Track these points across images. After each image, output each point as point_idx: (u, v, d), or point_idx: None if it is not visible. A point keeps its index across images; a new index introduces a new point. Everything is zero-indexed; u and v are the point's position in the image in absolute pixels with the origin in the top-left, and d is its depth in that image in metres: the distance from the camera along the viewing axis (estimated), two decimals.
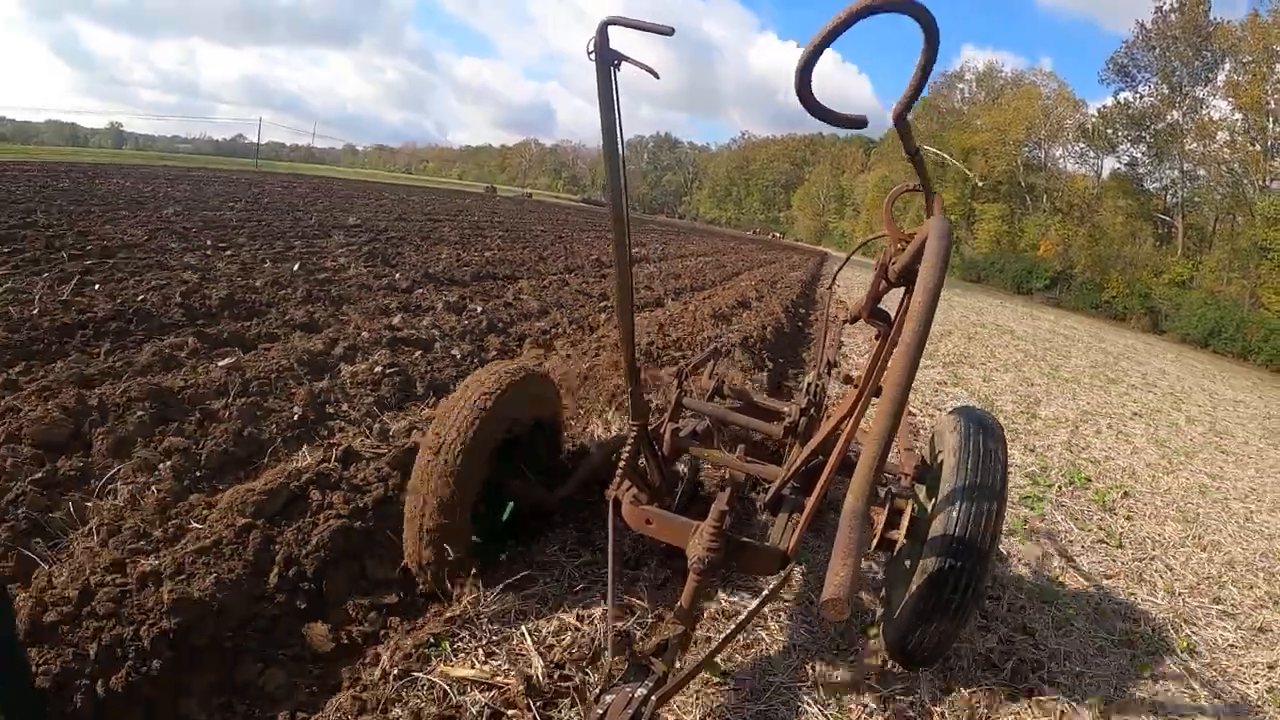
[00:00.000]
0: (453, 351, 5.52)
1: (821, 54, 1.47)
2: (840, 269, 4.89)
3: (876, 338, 2.33)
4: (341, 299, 7.18)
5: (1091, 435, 7.82)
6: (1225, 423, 11.32)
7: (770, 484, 2.92)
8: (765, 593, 2.28)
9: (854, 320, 3.04)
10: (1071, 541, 4.52)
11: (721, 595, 2.88)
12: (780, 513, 2.79)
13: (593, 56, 1.94)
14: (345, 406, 4.08)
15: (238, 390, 3.88)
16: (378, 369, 4.58)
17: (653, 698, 1.84)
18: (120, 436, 3.24)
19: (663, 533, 2.37)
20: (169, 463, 3.07)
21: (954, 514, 2.34)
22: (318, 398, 4.03)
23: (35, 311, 5.21)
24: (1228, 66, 44.31)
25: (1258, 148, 41.80)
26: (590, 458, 3.15)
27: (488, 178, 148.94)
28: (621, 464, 2.54)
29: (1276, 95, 41.10)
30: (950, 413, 2.86)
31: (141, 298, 5.95)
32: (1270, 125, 41.54)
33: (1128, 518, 5.25)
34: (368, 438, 3.55)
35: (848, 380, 3.25)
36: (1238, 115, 43.05)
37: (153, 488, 2.87)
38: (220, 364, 4.27)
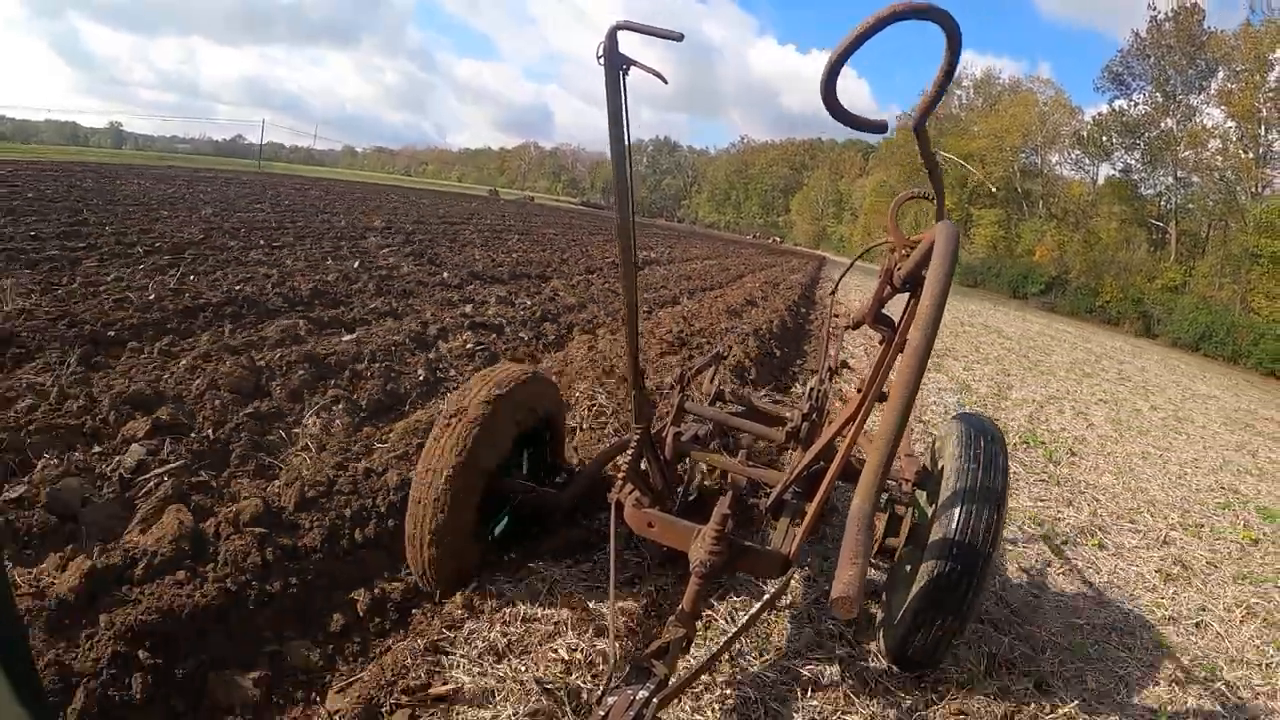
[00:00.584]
0: (520, 334, 6.40)
1: (847, 60, 1.47)
2: (844, 276, 5.15)
3: (881, 343, 2.30)
4: (406, 292, 8.09)
5: (1054, 414, 8.76)
6: (1189, 412, 12.21)
7: (771, 488, 2.91)
8: (767, 596, 2.29)
9: (856, 326, 3.15)
10: (1015, 480, 5.44)
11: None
12: (781, 517, 2.78)
13: (602, 61, 1.94)
14: (452, 372, 4.97)
15: (369, 358, 4.75)
16: (468, 345, 5.48)
17: (654, 700, 1.86)
18: (292, 388, 4.09)
19: (665, 536, 2.38)
20: (339, 406, 3.94)
21: (955, 520, 2.36)
22: (431, 365, 4.90)
23: (152, 297, 6.05)
24: (1221, 75, 45.46)
25: (1249, 155, 42.83)
26: (593, 462, 3.15)
27: (487, 180, 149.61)
28: (624, 467, 2.55)
29: (1269, 103, 42.17)
30: (952, 419, 2.91)
31: (239, 287, 6.81)
32: (1263, 133, 42.59)
33: (1070, 467, 6.20)
34: None
35: (842, 401, 3.38)
36: (1230, 123, 44.16)
37: (335, 421, 3.72)
38: (344, 338, 5.13)
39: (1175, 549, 4.71)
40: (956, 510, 2.37)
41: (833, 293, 5.41)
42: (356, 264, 9.38)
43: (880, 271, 2.17)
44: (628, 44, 1.97)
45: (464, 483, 2.41)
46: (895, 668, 2.62)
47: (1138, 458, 7.34)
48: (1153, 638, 3.45)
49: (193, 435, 3.39)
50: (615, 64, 1.93)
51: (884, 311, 2.24)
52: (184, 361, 4.36)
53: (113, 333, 4.79)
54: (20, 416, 3.28)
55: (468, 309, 7.31)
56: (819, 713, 2.38)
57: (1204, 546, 4.87)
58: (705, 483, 3.54)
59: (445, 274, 9.84)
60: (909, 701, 2.51)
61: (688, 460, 3.36)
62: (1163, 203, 49.81)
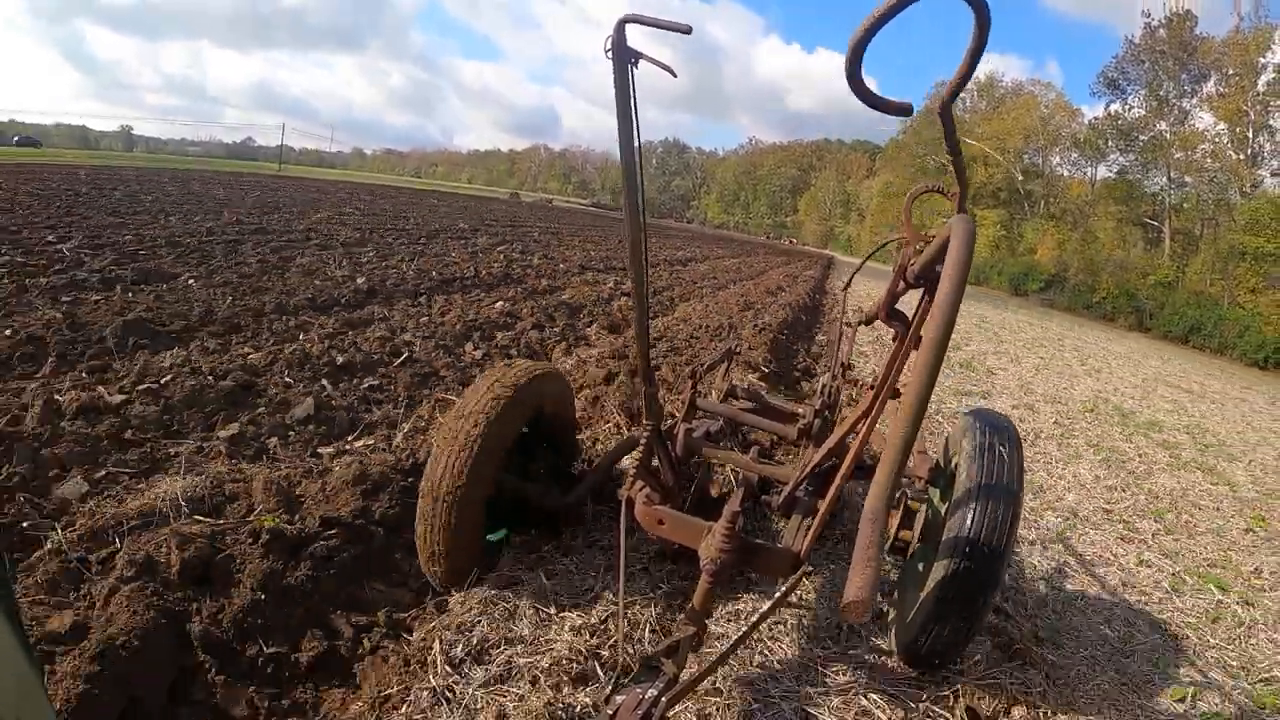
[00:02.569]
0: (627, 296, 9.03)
1: (872, 38, 1.40)
2: (855, 273, 5.21)
3: (894, 339, 2.28)
4: (544, 274, 11.02)
5: (991, 359, 11.74)
6: (1110, 367, 15.30)
7: (783, 485, 2.89)
8: (778, 594, 2.26)
9: (869, 322, 3.14)
10: (944, 381, 8.09)
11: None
12: (793, 514, 2.77)
13: (610, 54, 1.94)
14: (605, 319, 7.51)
15: (533, 323, 7.23)
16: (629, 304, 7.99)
17: (663, 699, 1.85)
18: (489, 338, 6.42)
19: (675, 533, 2.37)
20: (519, 349, 6.29)
21: (968, 517, 2.33)
22: (609, 313, 7.48)
23: (411, 273, 9.18)
24: (1212, 79, 47.63)
25: (1238, 156, 45.03)
26: (603, 459, 3.12)
27: (496, 182, 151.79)
28: (635, 464, 2.55)
29: (1257, 107, 44.35)
30: (965, 415, 2.88)
31: (447, 269, 9.80)
32: (1251, 135, 44.76)
33: (989, 374, 9.38)
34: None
35: (854, 399, 3.49)
36: (1221, 126, 46.36)
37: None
38: (561, 297, 7.80)
39: (1028, 409, 7.71)
40: (970, 508, 2.35)
41: (845, 288, 5.57)
42: (501, 253, 12.89)
43: (894, 267, 2.15)
44: (634, 39, 1.95)
45: (475, 478, 2.40)
46: (907, 666, 2.62)
47: (1040, 376, 10.60)
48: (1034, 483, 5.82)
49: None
50: (624, 57, 1.94)
51: (897, 307, 2.23)
52: (386, 325, 6.80)
53: (424, 290, 7.89)
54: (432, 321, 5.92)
55: (611, 284, 10.85)
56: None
57: (1053, 410, 7.88)
58: (717, 479, 3.54)
59: (561, 265, 13.15)
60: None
61: (699, 458, 3.35)
62: (1157, 202, 51.95)
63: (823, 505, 2.25)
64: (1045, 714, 2.56)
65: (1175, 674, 3.10)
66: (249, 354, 4.93)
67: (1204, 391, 14.66)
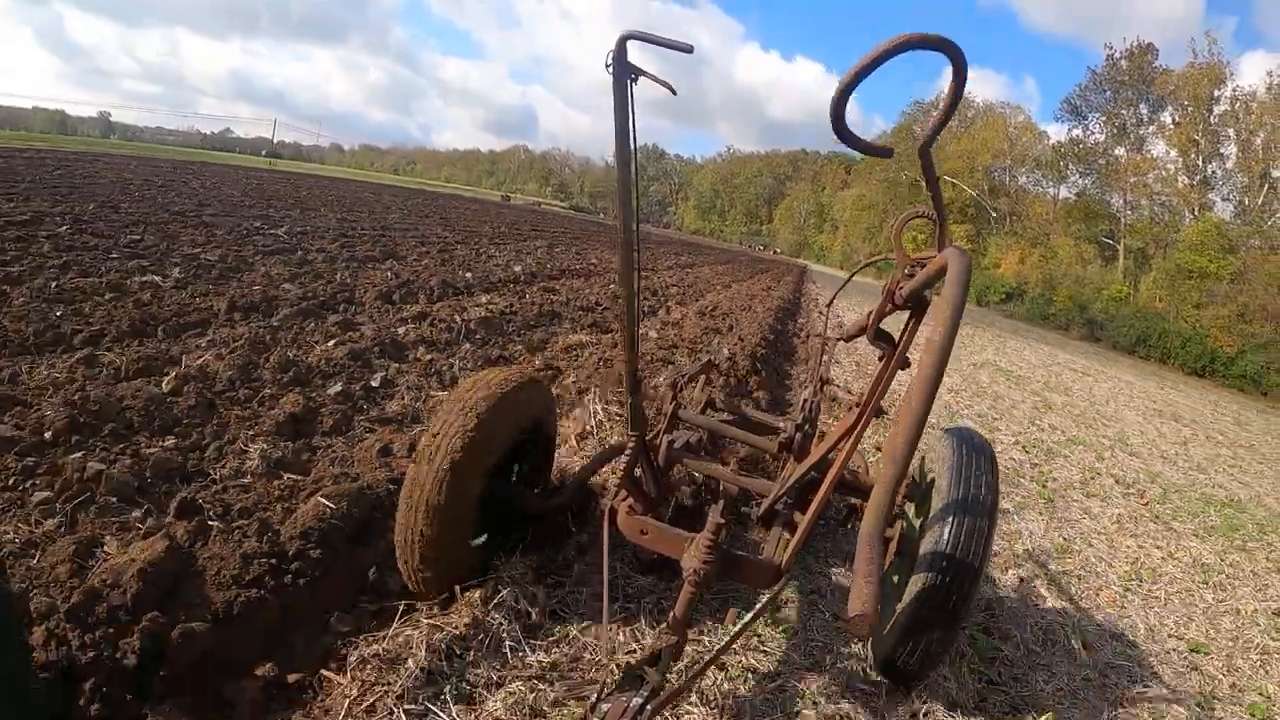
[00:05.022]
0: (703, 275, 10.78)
1: (856, 86, 1.47)
2: (839, 292, 5.23)
3: (880, 359, 2.28)
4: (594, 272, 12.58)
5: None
6: (1019, 356, 18.25)
7: (763, 498, 2.92)
8: (759, 605, 2.27)
9: (850, 339, 3.18)
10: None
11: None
12: (773, 527, 2.78)
13: (611, 70, 1.96)
14: (668, 306, 9.14)
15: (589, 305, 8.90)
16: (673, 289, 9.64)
17: (648, 707, 1.88)
18: (567, 317, 8.11)
19: (658, 543, 2.39)
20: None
21: (944, 532, 2.36)
22: (687, 283, 9.17)
23: (518, 270, 10.81)
24: (1170, 109, 50.70)
25: (1188, 182, 48.04)
26: (583, 469, 3.09)
27: (475, 182, 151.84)
28: (619, 474, 2.56)
29: (1207, 136, 47.36)
30: (941, 431, 2.91)
31: (525, 264, 11.30)
32: (1201, 163, 47.79)
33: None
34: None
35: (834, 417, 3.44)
36: (1173, 153, 49.44)
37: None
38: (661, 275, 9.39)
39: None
40: (946, 523, 2.38)
41: (827, 306, 5.62)
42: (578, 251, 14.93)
43: (883, 289, 2.17)
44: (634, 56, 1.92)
45: (457, 486, 2.39)
46: (884, 679, 2.64)
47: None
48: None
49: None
50: (624, 74, 1.97)
51: (882, 327, 2.23)
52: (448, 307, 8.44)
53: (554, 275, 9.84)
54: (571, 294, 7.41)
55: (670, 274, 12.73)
56: None
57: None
58: (697, 491, 3.56)
59: (593, 260, 15.17)
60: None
61: (679, 468, 3.37)
62: (1114, 222, 54.84)
63: (804, 519, 2.30)
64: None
65: None
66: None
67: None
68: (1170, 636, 3.87)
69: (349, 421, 4.05)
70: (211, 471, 3.22)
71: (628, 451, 2.60)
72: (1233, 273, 40.05)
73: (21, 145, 27.58)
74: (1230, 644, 3.94)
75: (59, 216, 9.05)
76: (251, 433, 3.62)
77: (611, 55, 1.94)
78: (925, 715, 2.57)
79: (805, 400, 3.92)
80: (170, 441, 3.38)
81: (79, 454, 3.08)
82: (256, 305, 6.07)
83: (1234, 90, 46.57)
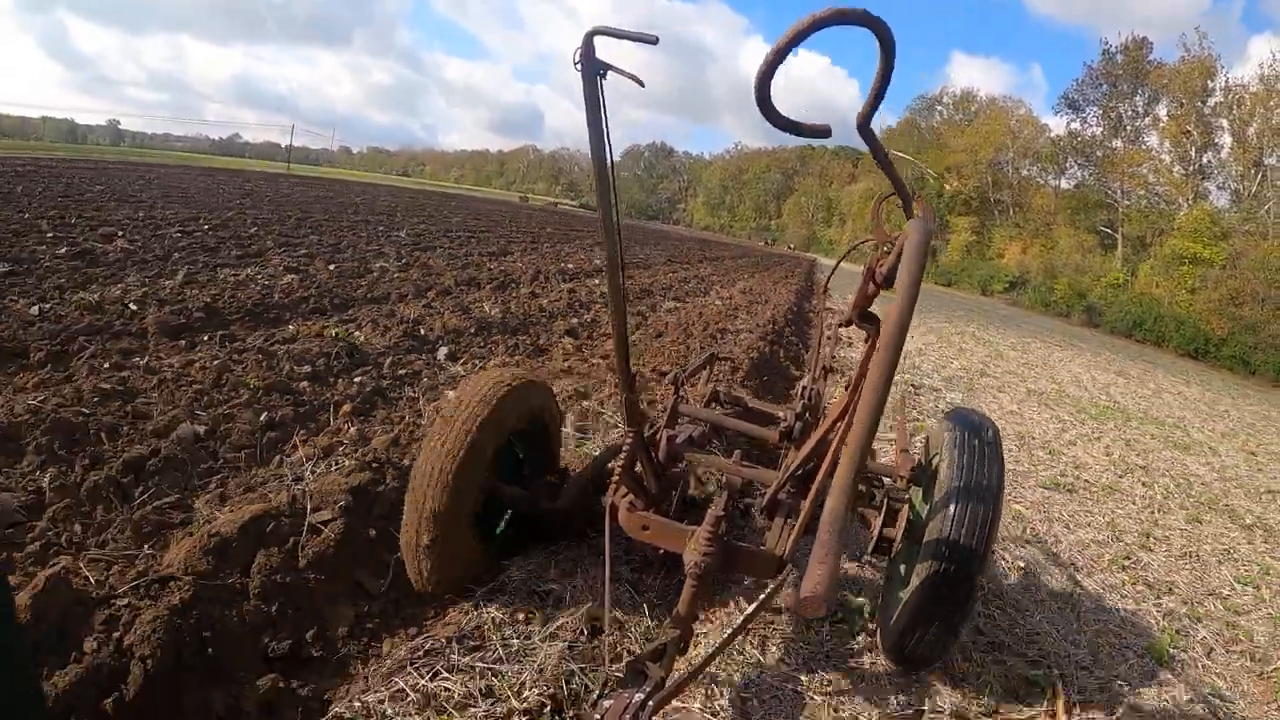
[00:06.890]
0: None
1: (777, 68, 1.46)
2: (830, 276, 5.20)
3: (866, 340, 2.28)
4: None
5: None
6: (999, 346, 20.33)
7: (766, 489, 2.92)
8: (762, 596, 2.26)
9: (846, 324, 3.13)
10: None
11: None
12: (776, 517, 2.77)
13: (579, 67, 1.97)
14: (714, 288, 11.51)
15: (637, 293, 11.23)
16: (713, 278, 11.91)
17: (650, 703, 1.87)
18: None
19: (659, 538, 2.42)
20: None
21: (950, 516, 2.35)
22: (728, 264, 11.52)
23: (570, 266, 12.95)
24: (1165, 102, 52.62)
25: (1183, 172, 50.00)
26: (586, 466, 3.09)
27: (484, 182, 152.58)
28: (618, 470, 2.57)
29: (1200, 127, 49.24)
30: (945, 415, 2.91)
31: (588, 263, 13.55)
32: (1194, 154, 49.68)
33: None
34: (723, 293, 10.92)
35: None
36: (1166, 144, 51.45)
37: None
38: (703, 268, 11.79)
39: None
40: (952, 507, 2.36)
41: (825, 289, 5.61)
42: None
43: (864, 270, 2.14)
44: (613, 47, 1.98)
45: (461, 485, 2.41)
46: (893, 665, 2.66)
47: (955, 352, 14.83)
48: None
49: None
50: (592, 70, 1.98)
51: (870, 310, 2.19)
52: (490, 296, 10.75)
53: (568, 275, 11.90)
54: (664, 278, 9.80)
55: (705, 269, 15.65)
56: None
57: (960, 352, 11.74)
58: (700, 484, 3.56)
59: (639, 254, 17.68)
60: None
61: (683, 462, 3.32)
62: (1113, 212, 56.66)
63: (805, 506, 2.29)
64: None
65: None
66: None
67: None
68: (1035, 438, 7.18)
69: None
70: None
71: (625, 447, 2.61)
72: (1225, 259, 41.92)
73: (77, 156, 28.87)
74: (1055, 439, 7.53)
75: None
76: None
77: (580, 52, 1.95)
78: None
79: (804, 388, 3.97)
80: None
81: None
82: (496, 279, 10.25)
83: (1227, 81, 48.52)
